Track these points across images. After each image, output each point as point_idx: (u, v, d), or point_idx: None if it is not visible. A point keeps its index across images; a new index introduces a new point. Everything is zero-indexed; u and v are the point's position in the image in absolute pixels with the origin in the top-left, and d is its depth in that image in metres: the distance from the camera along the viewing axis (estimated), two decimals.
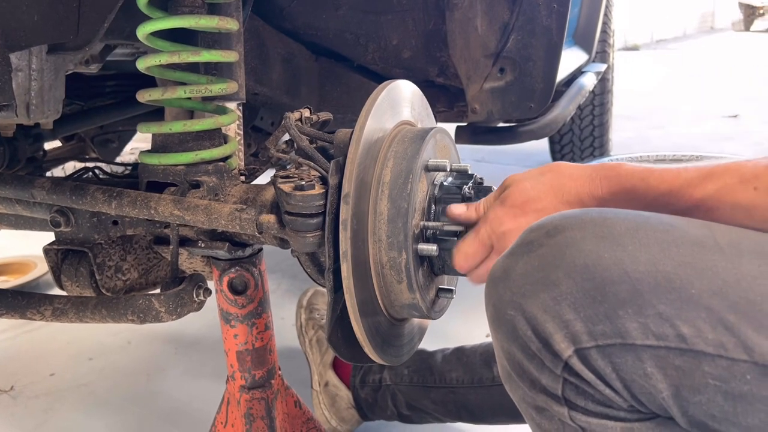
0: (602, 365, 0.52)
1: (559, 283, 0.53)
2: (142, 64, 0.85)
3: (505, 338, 0.57)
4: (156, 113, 1.53)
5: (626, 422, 0.54)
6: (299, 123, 0.84)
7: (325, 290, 1.58)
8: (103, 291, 0.91)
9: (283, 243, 0.82)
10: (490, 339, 1.35)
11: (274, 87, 1.30)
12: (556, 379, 0.54)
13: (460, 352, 1.25)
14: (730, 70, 7.00)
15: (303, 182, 0.74)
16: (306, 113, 0.87)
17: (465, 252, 0.74)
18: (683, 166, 0.62)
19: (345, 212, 0.71)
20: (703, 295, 0.50)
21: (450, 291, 0.85)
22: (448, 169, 0.81)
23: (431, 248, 0.76)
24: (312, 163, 0.78)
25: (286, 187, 0.75)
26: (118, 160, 2.01)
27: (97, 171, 1.08)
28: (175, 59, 0.82)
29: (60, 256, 0.92)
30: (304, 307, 1.52)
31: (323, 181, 0.77)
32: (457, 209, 0.77)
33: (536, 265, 0.56)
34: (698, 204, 0.60)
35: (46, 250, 0.91)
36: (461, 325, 1.67)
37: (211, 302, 0.96)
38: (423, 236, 0.78)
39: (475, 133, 1.42)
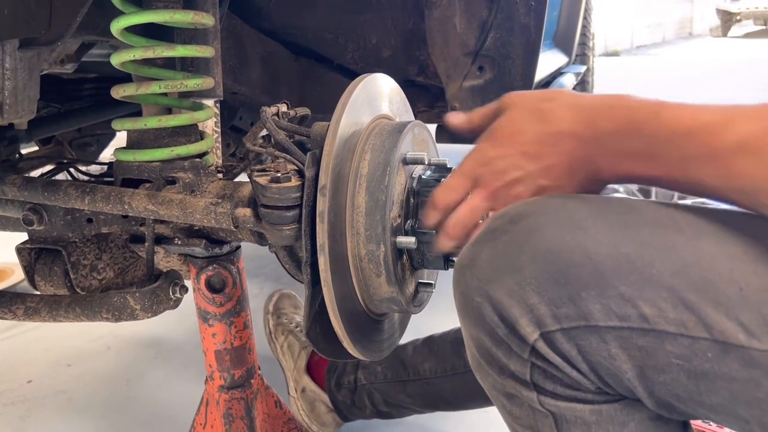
0: (568, 348, 0.52)
1: (522, 268, 0.53)
2: (116, 60, 0.83)
3: (473, 325, 0.57)
4: (133, 115, 1.52)
5: (594, 404, 0.54)
6: (276, 117, 0.83)
7: (290, 293, 1.58)
8: (78, 290, 0.89)
9: (260, 238, 0.82)
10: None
11: (253, 86, 1.29)
12: (524, 363, 0.54)
13: (430, 341, 1.25)
14: (709, 75, 7.10)
15: (279, 175, 0.74)
16: (283, 108, 0.86)
17: (447, 184, 0.67)
18: (704, 104, 0.54)
19: (322, 204, 0.70)
20: (663, 275, 0.50)
21: (429, 285, 0.84)
22: (426, 163, 0.80)
23: (410, 240, 0.75)
24: (288, 156, 0.78)
25: (262, 180, 0.74)
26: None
27: (72, 170, 1.06)
28: (149, 54, 0.81)
29: (33, 255, 0.90)
30: (271, 313, 1.50)
31: (300, 174, 0.76)
32: (456, 118, 0.71)
33: (501, 251, 0.55)
34: (721, 152, 0.51)
35: (19, 249, 0.90)
36: (443, 319, 1.66)
37: (192, 306, 0.95)
38: (402, 229, 0.78)
39: (455, 132, 1.42)
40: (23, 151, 1.52)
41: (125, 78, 0.90)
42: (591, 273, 0.51)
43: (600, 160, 0.59)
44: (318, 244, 0.70)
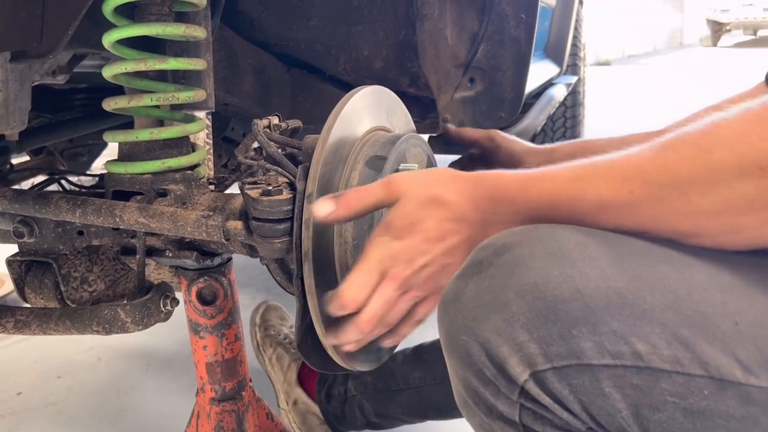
0: (559, 388, 0.50)
1: (510, 304, 0.51)
2: (108, 72, 0.84)
3: (459, 365, 0.55)
4: (125, 126, 1.52)
5: None
6: (267, 130, 0.83)
7: (276, 304, 1.58)
8: (69, 303, 0.89)
9: (251, 250, 0.82)
10: None
11: (245, 98, 1.30)
12: (513, 405, 0.52)
13: (419, 350, 1.24)
14: (699, 84, 7.16)
15: (270, 188, 0.74)
16: (275, 120, 0.86)
17: (355, 282, 0.65)
18: (560, 168, 0.59)
19: (307, 212, 0.70)
20: (655, 310, 0.49)
21: None
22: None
23: None
24: (280, 169, 0.78)
25: (253, 193, 0.75)
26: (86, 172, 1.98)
27: (63, 182, 1.06)
28: (141, 66, 0.82)
29: (24, 268, 0.90)
30: (258, 325, 1.50)
31: (291, 186, 0.77)
32: (322, 208, 0.67)
33: (486, 286, 0.54)
34: (581, 215, 0.57)
35: (9, 262, 0.89)
36: (433, 329, 1.66)
37: (184, 318, 0.95)
38: None
39: (447, 143, 1.43)
40: (14, 162, 1.52)
41: (117, 89, 0.90)
42: (581, 309, 0.49)
43: (492, 234, 0.61)
44: (303, 251, 0.70)
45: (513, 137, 1.08)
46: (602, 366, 0.49)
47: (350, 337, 0.69)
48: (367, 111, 0.82)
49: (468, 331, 0.54)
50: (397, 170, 0.79)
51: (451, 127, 1.16)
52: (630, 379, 0.49)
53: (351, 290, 0.65)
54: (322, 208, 0.66)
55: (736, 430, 0.48)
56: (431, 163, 0.93)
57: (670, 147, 0.53)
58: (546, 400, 0.51)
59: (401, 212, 0.64)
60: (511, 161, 1.05)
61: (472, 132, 1.10)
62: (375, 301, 0.65)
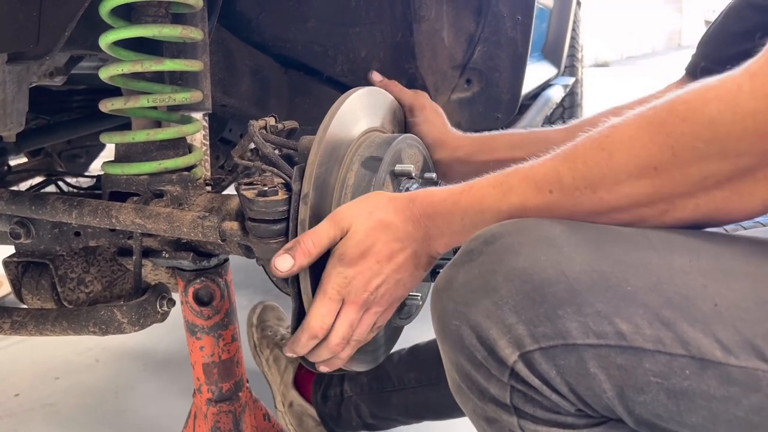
0: (547, 368, 0.52)
1: (498, 288, 0.54)
2: (105, 74, 0.84)
3: (452, 349, 0.57)
4: (123, 127, 1.52)
5: (575, 428, 0.54)
6: (264, 131, 0.84)
7: (273, 304, 1.58)
8: (65, 304, 0.89)
9: (247, 251, 0.82)
10: None
11: (242, 99, 1.30)
12: (504, 387, 0.54)
13: (415, 351, 1.24)
14: None
15: (266, 188, 0.74)
16: (271, 121, 0.87)
17: (318, 313, 0.70)
18: (485, 178, 0.64)
19: (303, 212, 0.71)
20: (639, 292, 0.51)
21: (416, 297, 0.84)
22: (413, 175, 0.81)
23: None
24: (276, 170, 0.78)
25: (249, 194, 0.75)
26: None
27: (60, 183, 1.06)
28: (137, 68, 0.82)
29: (20, 269, 0.90)
30: (255, 326, 1.50)
31: (287, 187, 0.77)
32: (283, 263, 0.70)
33: (476, 272, 0.56)
34: (507, 219, 0.61)
35: (6, 263, 0.89)
36: (429, 329, 1.66)
37: (181, 318, 0.95)
38: None
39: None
40: (11, 163, 1.52)
41: (115, 89, 0.90)
42: (566, 290, 0.52)
43: (435, 246, 0.70)
44: None
45: (437, 117, 1.03)
46: (587, 346, 0.51)
47: (323, 356, 0.74)
48: (363, 112, 0.82)
49: (459, 315, 0.56)
50: (392, 171, 0.79)
51: (376, 76, 1.13)
52: (614, 359, 0.51)
53: (316, 320, 0.71)
54: (284, 264, 0.70)
55: (718, 411, 0.49)
56: (427, 164, 0.93)
57: (578, 152, 0.58)
58: (535, 381, 0.53)
59: (352, 242, 0.69)
60: (432, 142, 1.01)
61: (399, 89, 1.04)
62: (340, 325, 0.71)
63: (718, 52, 0.90)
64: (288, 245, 0.70)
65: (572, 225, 0.57)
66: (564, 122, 3.14)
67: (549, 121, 2.74)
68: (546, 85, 2.21)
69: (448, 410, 1.20)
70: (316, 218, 0.72)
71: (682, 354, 0.49)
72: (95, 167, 2.02)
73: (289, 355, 0.75)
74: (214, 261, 0.91)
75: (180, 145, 0.90)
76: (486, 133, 1.05)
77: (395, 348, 1.26)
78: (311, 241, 0.69)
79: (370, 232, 0.68)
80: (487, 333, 0.54)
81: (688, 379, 0.49)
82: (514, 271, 0.54)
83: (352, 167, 0.77)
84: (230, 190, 0.94)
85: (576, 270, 0.52)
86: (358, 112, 0.81)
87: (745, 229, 0.73)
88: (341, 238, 0.70)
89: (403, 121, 0.97)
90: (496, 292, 0.54)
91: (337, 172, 0.76)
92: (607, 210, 0.57)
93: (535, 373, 0.53)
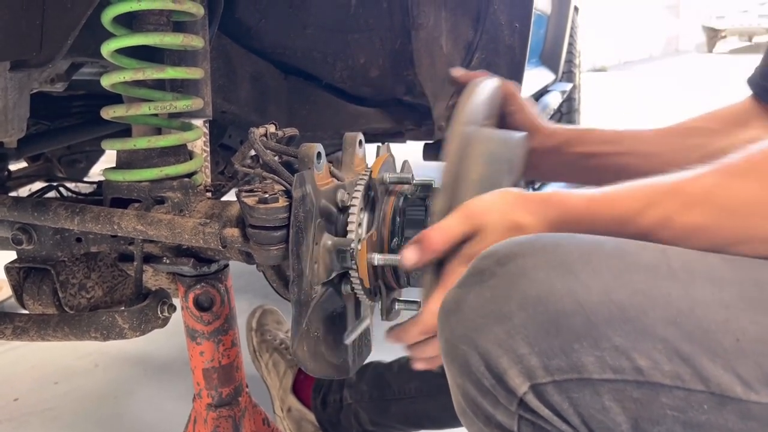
0: (559, 401, 0.51)
1: (512, 316, 0.52)
2: (107, 81, 0.85)
3: (459, 374, 0.55)
4: (123, 133, 1.52)
5: None
6: (264, 138, 0.84)
7: (272, 308, 1.58)
8: (67, 309, 0.90)
9: (248, 257, 0.83)
10: None
11: (242, 105, 1.31)
12: (511, 416, 0.53)
13: None
14: (695, 90, 7.19)
15: (267, 195, 0.75)
16: (271, 129, 0.87)
17: (435, 310, 0.63)
18: (625, 187, 0.61)
19: (440, 203, 0.69)
20: (657, 325, 0.49)
21: (416, 303, 0.85)
22: (412, 182, 0.82)
23: (394, 258, 0.77)
24: (276, 177, 0.79)
25: (250, 201, 0.76)
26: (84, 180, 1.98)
27: (61, 189, 1.06)
28: (139, 76, 0.82)
29: (22, 275, 0.90)
30: (255, 330, 1.50)
31: (287, 194, 0.78)
32: (410, 256, 0.67)
33: (488, 296, 0.54)
34: (646, 232, 0.58)
35: (8, 269, 0.90)
36: None
37: (181, 323, 0.95)
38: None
39: (442, 150, 1.44)
40: (11, 168, 1.53)
41: (115, 96, 0.91)
42: (583, 323, 0.50)
43: None
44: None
45: (530, 106, 0.99)
46: (603, 381, 0.50)
47: (428, 353, 0.70)
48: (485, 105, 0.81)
49: (468, 341, 0.54)
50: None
51: (459, 71, 1.01)
52: (630, 393, 0.49)
53: (432, 318, 0.64)
54: (410, 257, 0.66)
55: None
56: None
57: (737, 173, 0.55)
58: (545, 412, 0.51)
59: (485, 246, 0.63)
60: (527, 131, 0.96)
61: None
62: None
63: None
64: (416, 237, 0.67)
65: (591, 247, 0.55)
66: None
67: None
68: (544, 91, 2.22)
69: (447, 419, 1.20)
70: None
71: (701, 390, 0.48)
72: (95, 172, 2.02)
73: (391, 340, 0.70)
74: (214, 267, 0.92)
75: (181, 152, 0.91)
76: (578, 126, 1.04)
77: (396, 356, 1.27)
78: (440, 237, 0.65)
79: (504, 233, 0.63)
80: (497, 361, 0.52)
81: (706, 413, 0.48)
82: (528, 299, 0.52)
83: (477, 161, 0.73)
84: (230, 197, 0.95)
85: (593, 300, 0.50)
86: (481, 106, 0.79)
87: None
88: (472, 237, 0.65)
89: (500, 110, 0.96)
90: (509, 321, 0.52)
91: (460, 166, 0.74)
92: (761, 240, 0.54)
93: (545, 404, 0.51)
